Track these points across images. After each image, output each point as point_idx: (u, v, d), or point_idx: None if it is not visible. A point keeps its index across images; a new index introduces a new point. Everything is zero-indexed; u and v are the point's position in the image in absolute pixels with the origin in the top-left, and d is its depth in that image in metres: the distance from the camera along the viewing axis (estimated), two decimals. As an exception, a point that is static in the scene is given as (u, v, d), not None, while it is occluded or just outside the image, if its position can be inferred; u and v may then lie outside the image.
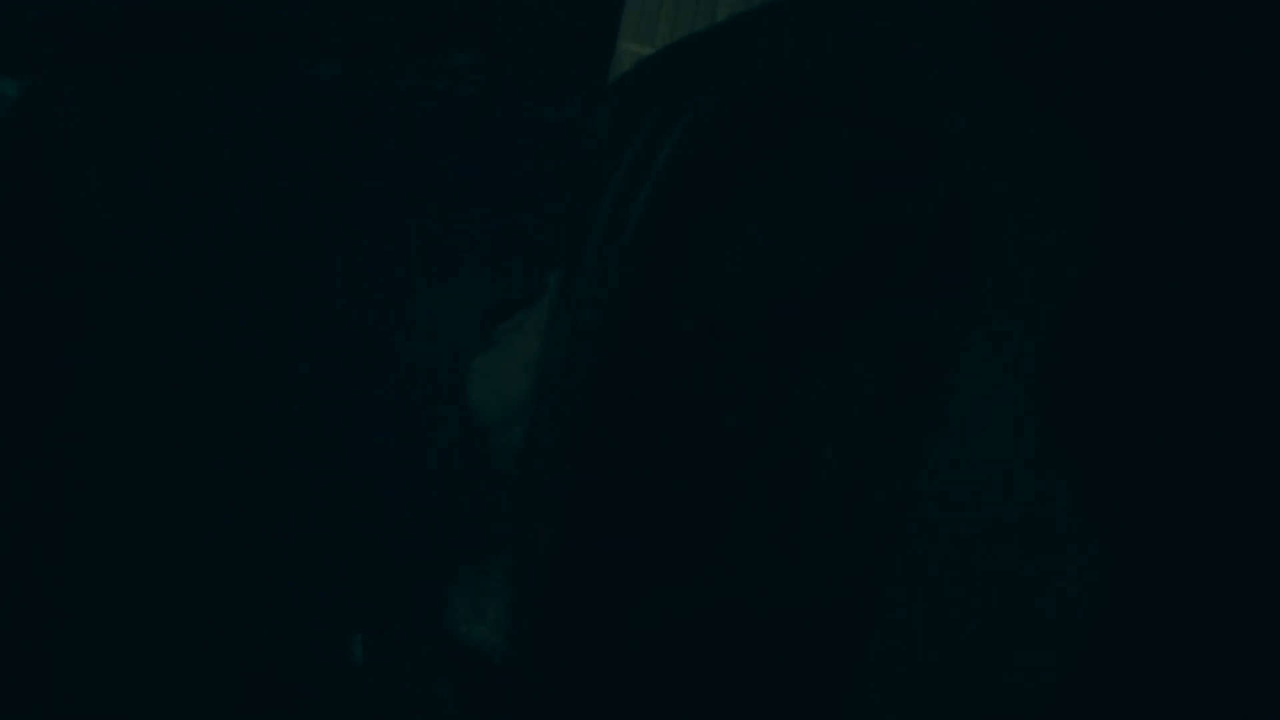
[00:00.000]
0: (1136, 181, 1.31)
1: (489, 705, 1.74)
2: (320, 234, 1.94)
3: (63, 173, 2.02)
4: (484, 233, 1.83)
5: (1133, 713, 1.25)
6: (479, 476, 1.79)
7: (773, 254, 1.64)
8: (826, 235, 1.56)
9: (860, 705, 1.41)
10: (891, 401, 1.47)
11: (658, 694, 1.59)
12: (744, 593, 1.57)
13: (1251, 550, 1.22)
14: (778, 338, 1.62)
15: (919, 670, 1.35)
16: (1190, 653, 1.23)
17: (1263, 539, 1.21)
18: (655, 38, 1.87)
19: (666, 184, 1.67)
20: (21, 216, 2.03)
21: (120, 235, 2.01)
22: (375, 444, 1.87)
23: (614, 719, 1.60)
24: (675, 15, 1.82)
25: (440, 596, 1.79)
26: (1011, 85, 1.42)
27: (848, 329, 1.54)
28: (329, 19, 1.98)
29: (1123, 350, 1.30)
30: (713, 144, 1.61)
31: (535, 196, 1.82)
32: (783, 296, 1.62)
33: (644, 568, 1.62)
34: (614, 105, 1.76)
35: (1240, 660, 1.22)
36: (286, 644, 1.89)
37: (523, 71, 1.84)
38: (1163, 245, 1.29)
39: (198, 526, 1.97)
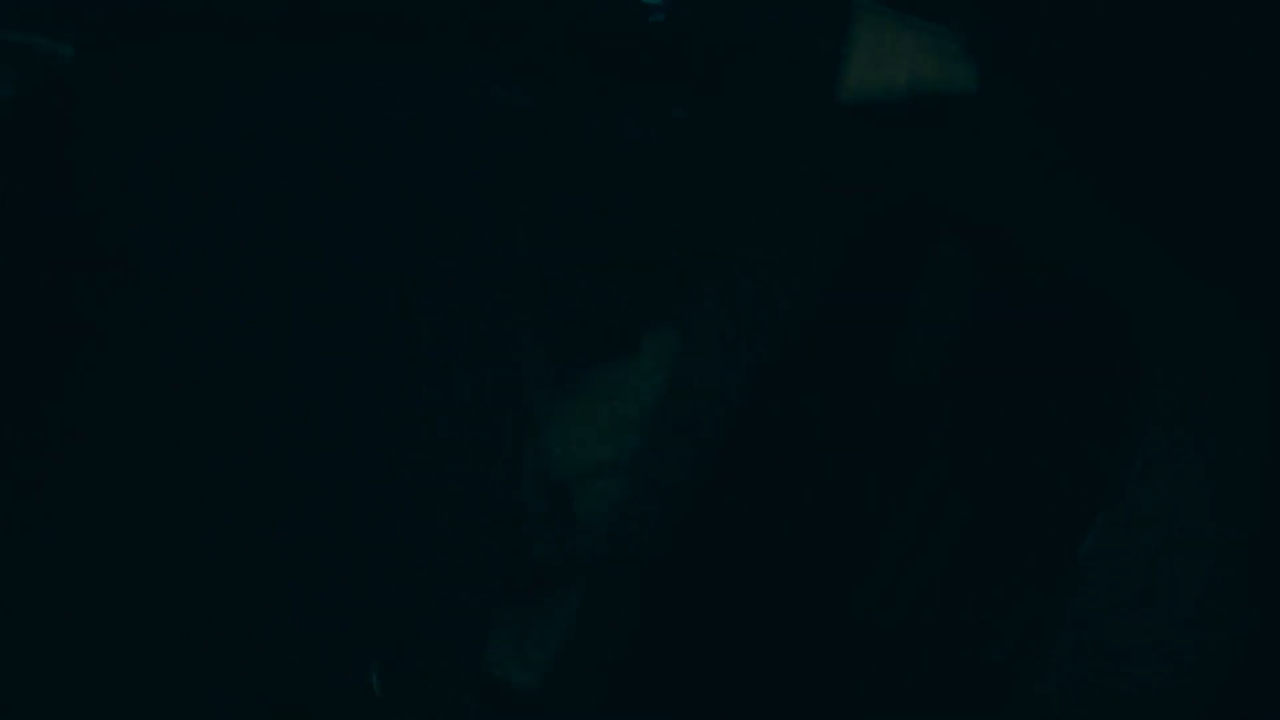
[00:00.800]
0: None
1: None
2: (390, 245, 1.69)
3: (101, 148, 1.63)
4: (570, 273, 1.75)
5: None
6: (536, 520, 1.78)
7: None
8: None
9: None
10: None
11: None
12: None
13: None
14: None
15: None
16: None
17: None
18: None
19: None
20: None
21: (163, 217, 1.60)
22: (408, 468, 1.74)
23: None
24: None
25: (472, 634, 1.78)
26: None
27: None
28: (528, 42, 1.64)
29: None
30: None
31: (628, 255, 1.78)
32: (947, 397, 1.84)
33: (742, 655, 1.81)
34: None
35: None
36: (301, 670, 1.73)
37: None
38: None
39: (213, 540, 1.68)
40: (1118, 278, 1.80)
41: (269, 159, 1.76)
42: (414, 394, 1.75)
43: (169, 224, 1.77)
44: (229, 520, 1.69)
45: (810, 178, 1.80)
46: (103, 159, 1.79)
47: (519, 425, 1.76)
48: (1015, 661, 1.81)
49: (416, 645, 1.77)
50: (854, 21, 1.74)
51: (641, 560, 1.76)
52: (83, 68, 1.81)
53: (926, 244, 1.82)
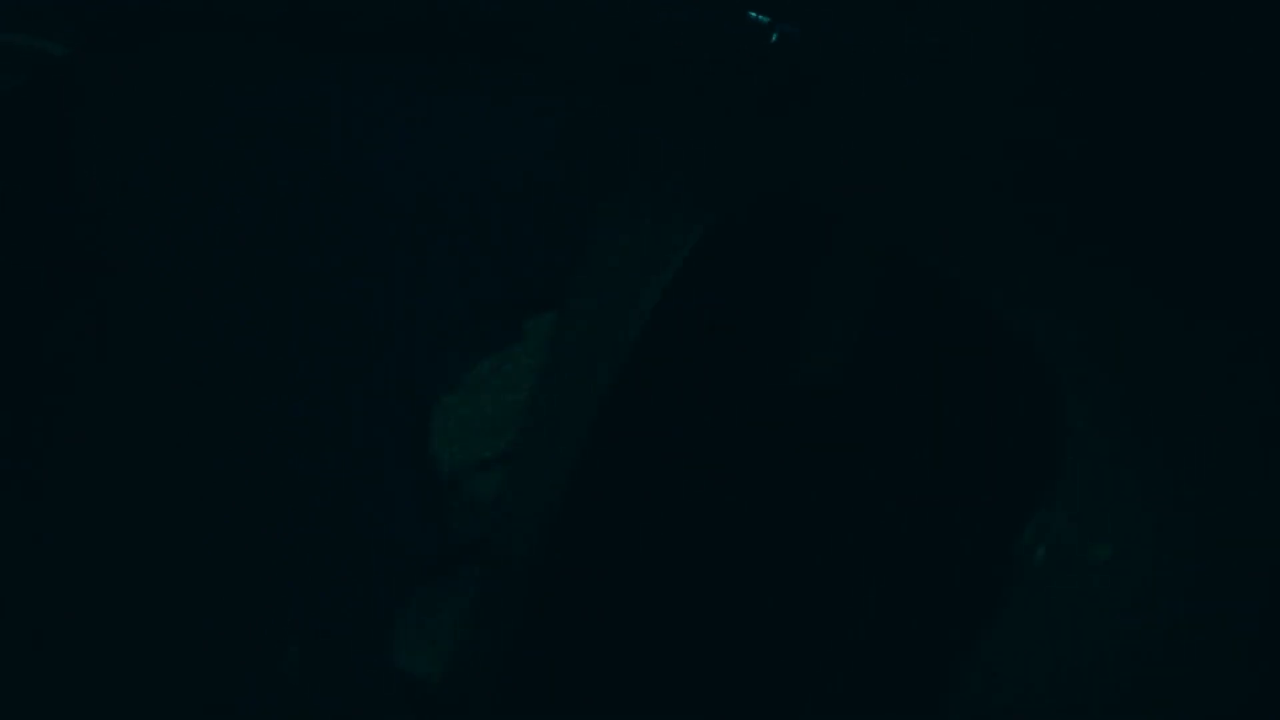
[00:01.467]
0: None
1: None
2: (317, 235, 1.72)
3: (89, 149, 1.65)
4: (462, 263, 1.74)
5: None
6: (434, 512, 1.78)
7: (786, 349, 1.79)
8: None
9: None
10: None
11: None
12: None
13: None
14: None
15: None
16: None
17: None
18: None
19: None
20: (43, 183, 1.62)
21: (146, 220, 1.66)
22: (324, 458, 1.77)
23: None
24: None
25: (382, 619, 1.80)
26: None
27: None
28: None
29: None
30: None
31: (512, 236, 1.76)
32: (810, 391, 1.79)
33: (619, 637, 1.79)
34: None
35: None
36: (221, 653, 1.79)
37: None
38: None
39: (140, 529, 1.76)
40: (1032, 308, 1.71)
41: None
42: (318, 387, 1.78)
43: (165, 223, 1.82)
44: (149, 513, 1.76)
45: (692, 165, 1.75)
46: (100, 159, 1.84)
47: (415, 417, 1.78)
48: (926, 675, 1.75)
49: (328, 634, 1.80)
50: None
51: (528, 551, 1.76)
52: (79, 67, 1.86)
53: (822, 244, 1.76)
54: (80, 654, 1.76)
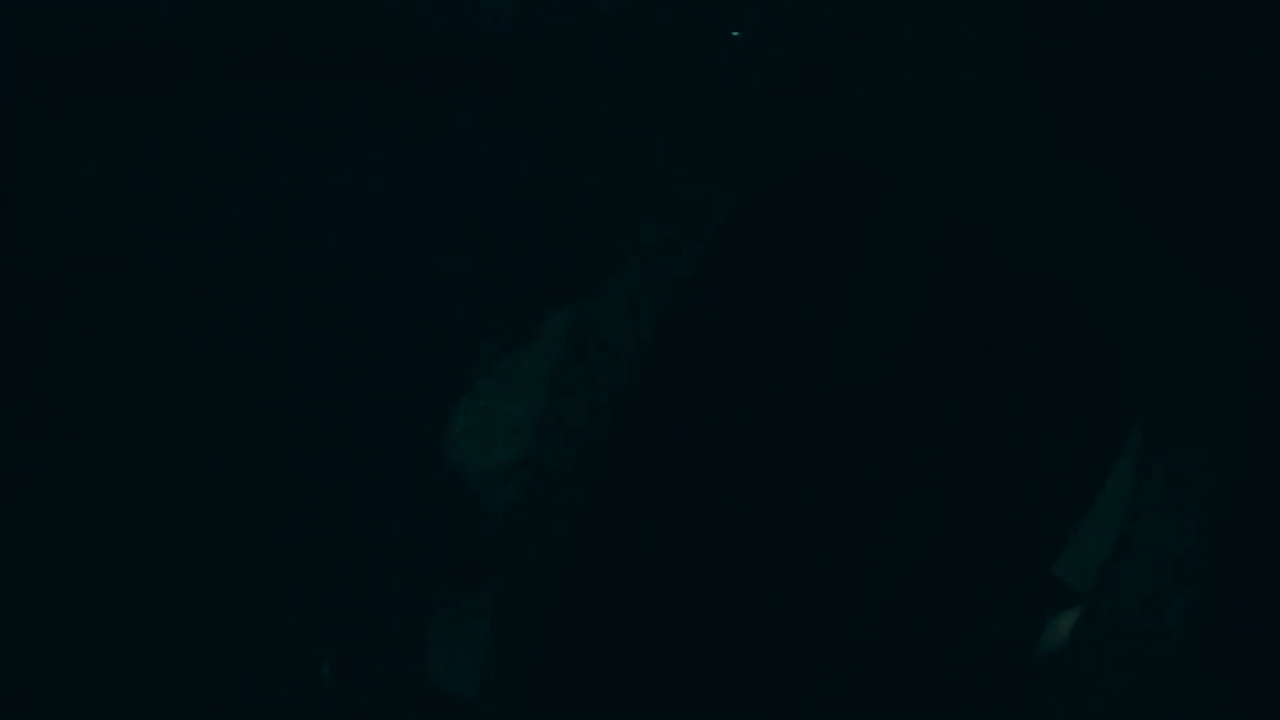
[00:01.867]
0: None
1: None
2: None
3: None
4: (472, 260, 1.67)
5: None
6: (460, 520, 1.71)
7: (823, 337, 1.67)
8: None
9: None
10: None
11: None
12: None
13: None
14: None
15: None
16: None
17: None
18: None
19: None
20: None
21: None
22: (347, 466, 1.73)
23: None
24: None
25: (411, 632, 1.74)
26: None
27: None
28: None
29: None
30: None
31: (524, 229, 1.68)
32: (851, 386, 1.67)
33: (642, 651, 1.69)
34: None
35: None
36: (249, 663, 1.77)
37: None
38: None
39: (162, 537, 1.76)
40: (1105, 287, 1.56)
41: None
42: (324, 397, 1.73)
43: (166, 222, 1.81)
44: (176, 518, 1.74)
45: (718, 140, 1.65)
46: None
47: (432, 421, 1.72)
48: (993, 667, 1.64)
49: (363, 648, 1.76)
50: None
51: (554, 559, 1.68)
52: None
53: (868, 215, 1.63)
54: (95, 680, 1.74)
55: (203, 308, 1.74)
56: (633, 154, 1.65)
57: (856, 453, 1.63)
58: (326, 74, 1.68)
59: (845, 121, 1.62)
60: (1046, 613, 1.62)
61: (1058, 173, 1.60)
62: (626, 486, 1.66)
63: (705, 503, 1.67)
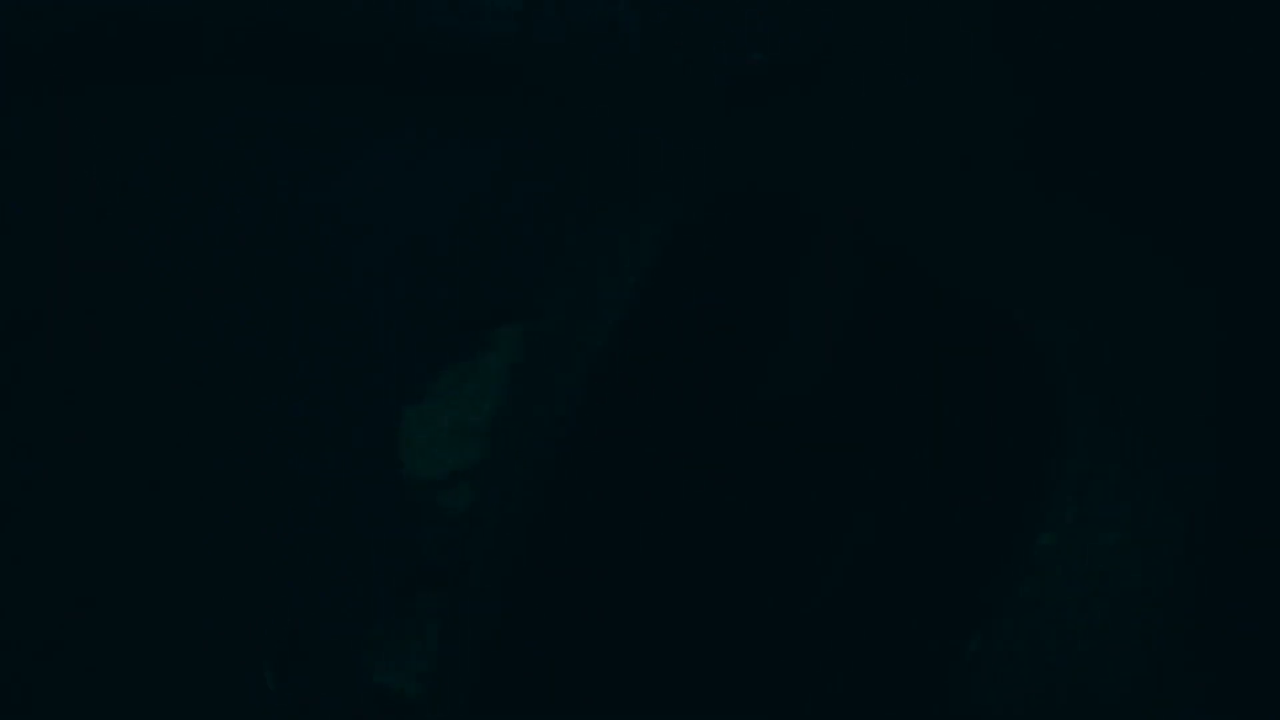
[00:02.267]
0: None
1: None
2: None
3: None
4: (421, 276, 1.71)
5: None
6: (405, 527, 1.75)
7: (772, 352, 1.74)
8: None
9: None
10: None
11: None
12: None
13: None
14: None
15: None
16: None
17: None
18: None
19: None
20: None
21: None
22: (294, 470, 1.75)
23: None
24: None
25: (355, 636, 1.77)
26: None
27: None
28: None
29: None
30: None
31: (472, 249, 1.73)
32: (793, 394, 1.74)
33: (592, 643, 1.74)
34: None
35: None
36: (202, 666, 1.78)
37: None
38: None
39: (116, 542, 1.76)
40: (1023, 298, 1.66)
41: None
42: (274, 401, 1.76)
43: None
44: (130, 523, 1.75)
45: (655, 171, 1.72)
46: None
47: (382, 429, 1.75)
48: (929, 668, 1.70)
49: (307, 651, 1.78)
50: None
51: (501, 564, 1.73)
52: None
53: (802, 242, 1.71)
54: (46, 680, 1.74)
55: (176, 311, 1.76)
56: (586, 173, 1.71)
57: (796, 465, 1.70)
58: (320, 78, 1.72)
59: (778, 154, 1.71)
60: (980, 618, 1.70)
61: (992, 199, 1.70)
62: (574, 495, 1.71)
63: (649, 511, 1.73)
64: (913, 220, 1.71)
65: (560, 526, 1.71)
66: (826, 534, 1.71)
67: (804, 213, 1.71)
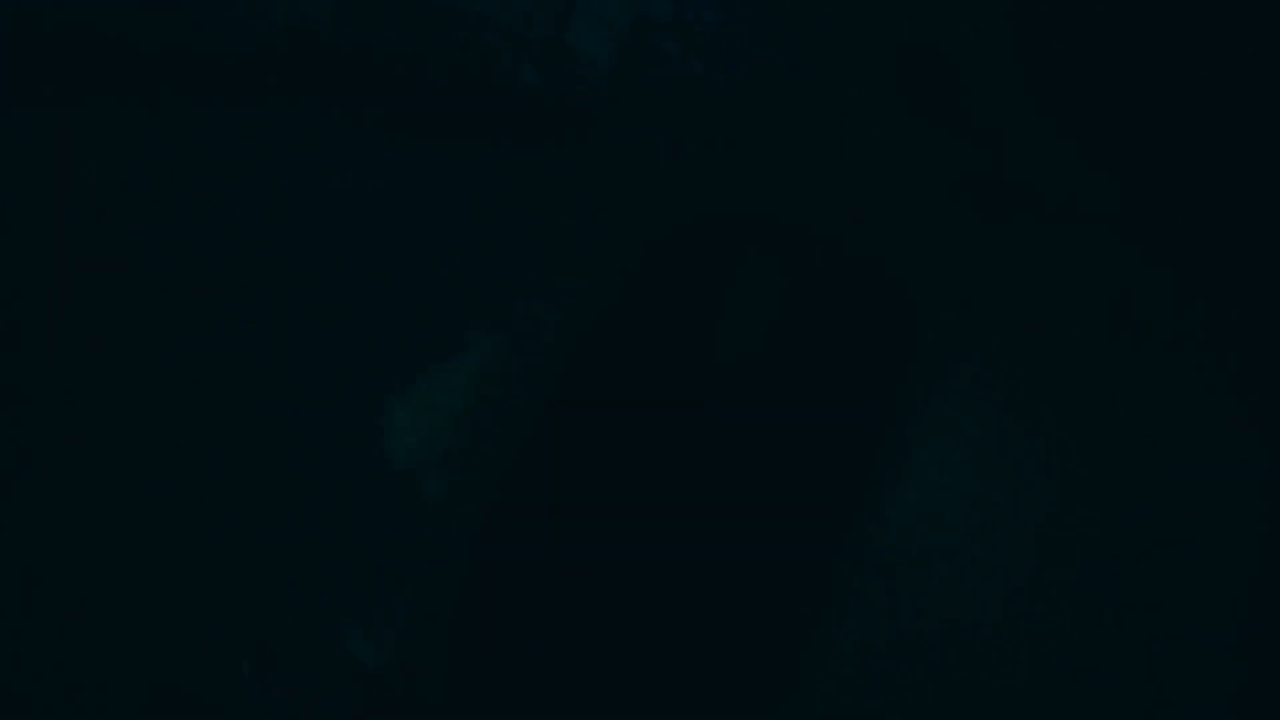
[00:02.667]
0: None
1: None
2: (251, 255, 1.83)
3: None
4: (404, 279, 1.85)
5: None
6: (385, 509, 1.88)
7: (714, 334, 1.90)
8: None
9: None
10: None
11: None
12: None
13: None
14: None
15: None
16: None
17: None
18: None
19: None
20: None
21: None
22: (269, 459, 1.87)
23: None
24: None
25: (331, 612, 1.89)
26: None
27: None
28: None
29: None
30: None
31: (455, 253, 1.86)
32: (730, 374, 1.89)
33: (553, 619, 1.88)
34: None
35: None
36: (183, 656, 1.87)
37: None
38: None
39: (86, 537, 1.85)
40: (913, 264, 1.82)
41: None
42: (271, 389, 1.89)
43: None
44: (130, 523, 1.86)
45: (623, 188, 1.87)
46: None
47: (364, 418, 1.89)
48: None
49: (279, 630, 1.90)
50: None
51: (469, 544, 1.87)
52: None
53: (736, 253, 1.87)
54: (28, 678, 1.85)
55: (155, 308, 1.86)
56: (561, 198, 1.87)
57: (732, 446, 1.86)
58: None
59: (726, 184, 1.89)
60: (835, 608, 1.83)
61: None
62: (543, 479, 1.87)
63: (602, 494, 1.88)
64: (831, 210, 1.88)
65: (530, 510, 1.86)
66: (763, 517, 1.85)
67: (742, 230, 1.87)
